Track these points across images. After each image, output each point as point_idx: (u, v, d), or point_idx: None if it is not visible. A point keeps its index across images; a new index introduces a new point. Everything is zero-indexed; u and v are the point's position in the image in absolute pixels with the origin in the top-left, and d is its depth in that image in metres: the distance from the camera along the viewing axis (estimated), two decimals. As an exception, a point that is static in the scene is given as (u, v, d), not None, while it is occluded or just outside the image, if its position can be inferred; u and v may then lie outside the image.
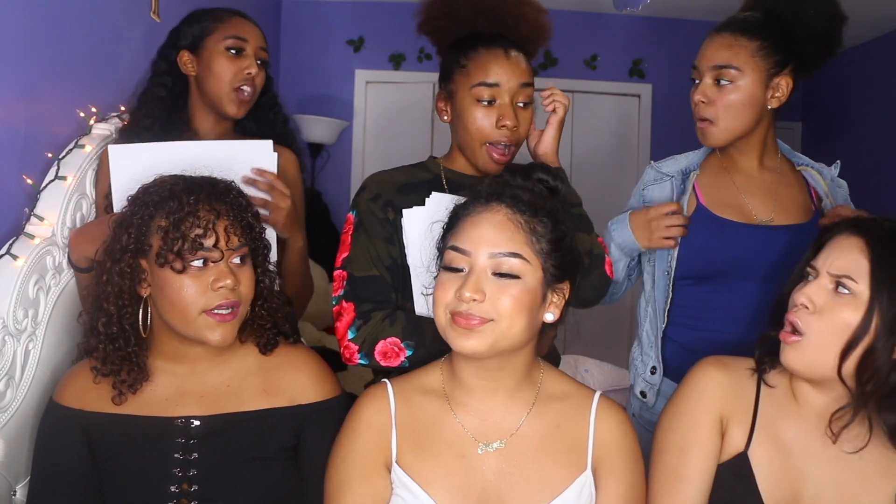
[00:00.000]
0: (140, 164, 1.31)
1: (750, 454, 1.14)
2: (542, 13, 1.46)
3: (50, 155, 1.50)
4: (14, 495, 1.32)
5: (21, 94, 1.43)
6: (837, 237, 1.12)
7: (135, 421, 1.18)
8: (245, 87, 1.58)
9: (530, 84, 1.39)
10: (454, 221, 1.10)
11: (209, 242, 1.13)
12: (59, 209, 1.44)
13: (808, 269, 1.13)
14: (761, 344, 1.19)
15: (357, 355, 1.32)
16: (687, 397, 1.19)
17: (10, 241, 1.36)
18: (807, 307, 1.09)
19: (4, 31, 1.37)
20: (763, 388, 1.17)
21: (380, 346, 1.30)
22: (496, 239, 1.04)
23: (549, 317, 1.09)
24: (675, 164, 1.65)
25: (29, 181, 1.44)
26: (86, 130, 1.61)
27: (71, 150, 1.53)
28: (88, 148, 1.55)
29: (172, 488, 1.15)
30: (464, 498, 1.07)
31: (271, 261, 1.29)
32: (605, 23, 4.48)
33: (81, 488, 1.17)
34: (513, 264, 1.03)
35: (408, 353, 1.30)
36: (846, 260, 1.08)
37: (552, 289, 1.08)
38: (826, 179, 1.61)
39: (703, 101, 1.52)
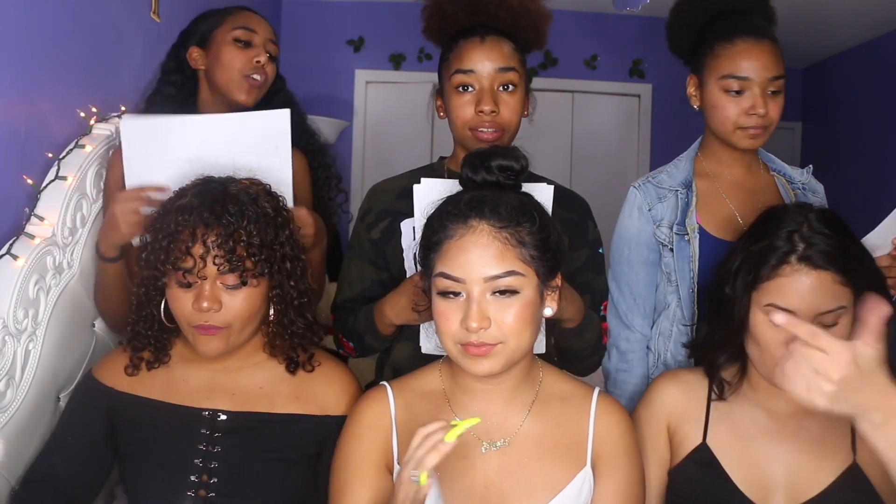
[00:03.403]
0: (152, 138, 1.35)
1: (709, 442, 1.21)
2: None
3: (50, 155, 1.50)
4: (14, 495, 1.32)
5: (21, 94, 1.43)
6: (794, 276, 1.10)
7: (162, 407, 1.21)
8: (255, 76, 1.59)
9: (511, 69, 1.36)
10: (436, 244, 1.07)
11: (186, 265, 1.13)
12: (60, 209, 1.44)
13: (773, 308, 1.08)
14: (698, 349, 1.27)
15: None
16: (641, 409, 1.30)
17: (11, 241, 1.36)
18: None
19: (4, 31, 1.37)
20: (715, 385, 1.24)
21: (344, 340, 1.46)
22: (487, 261, 1.02)
23: (549, 311, 1.10)
24: (670, 176, 1.58)
25: (29, 181, 1.44)
26: (86, 130, 1.60)
27: (71, 150, 1.53)
28: (88, 148, 1.55)
29: (192, 478, 1.17)
30: (467, 497, 1.08)
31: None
32: (605, 23, 4.49)
33: (87, 457, 1.22)
34: (510, 282, 1.02)
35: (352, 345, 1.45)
36: (829, 296, 1.08)
37: (547, 287, 1.09)
38: (796, 187, 1.59)
39: (761, 114, 1.45)
